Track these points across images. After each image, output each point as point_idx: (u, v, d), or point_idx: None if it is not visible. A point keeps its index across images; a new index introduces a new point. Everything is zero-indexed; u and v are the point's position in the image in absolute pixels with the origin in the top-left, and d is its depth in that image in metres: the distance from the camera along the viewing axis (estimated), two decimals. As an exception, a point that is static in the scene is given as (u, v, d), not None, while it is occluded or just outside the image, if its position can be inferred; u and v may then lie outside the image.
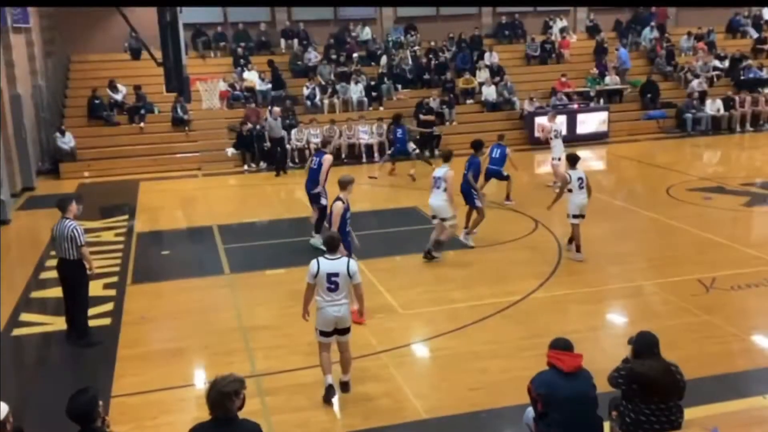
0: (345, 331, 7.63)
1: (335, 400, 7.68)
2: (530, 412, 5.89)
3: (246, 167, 21.25)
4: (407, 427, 7.22)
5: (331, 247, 7.58)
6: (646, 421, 5.47)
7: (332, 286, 7.40)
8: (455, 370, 8.34)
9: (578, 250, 11.90)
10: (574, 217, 11.82)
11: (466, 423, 7.25)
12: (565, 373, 5.53)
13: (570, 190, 11.78)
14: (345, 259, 7.59)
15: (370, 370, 8.40)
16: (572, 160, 11.94)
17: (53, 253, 12.98)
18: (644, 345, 5.69)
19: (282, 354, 8.85)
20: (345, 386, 7.82)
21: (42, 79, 22.23)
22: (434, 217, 12.07)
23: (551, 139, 17.24)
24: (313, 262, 7.48)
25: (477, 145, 13.22)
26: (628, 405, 5.58)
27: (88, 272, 9.54)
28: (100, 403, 4.96)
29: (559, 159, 16.52)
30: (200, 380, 8.52)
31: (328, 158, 13.06)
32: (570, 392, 5.48)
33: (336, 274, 7.38)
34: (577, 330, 8.84)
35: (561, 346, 5.71)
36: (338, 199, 9.75)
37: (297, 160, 21.52)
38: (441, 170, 11.94)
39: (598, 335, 9.21)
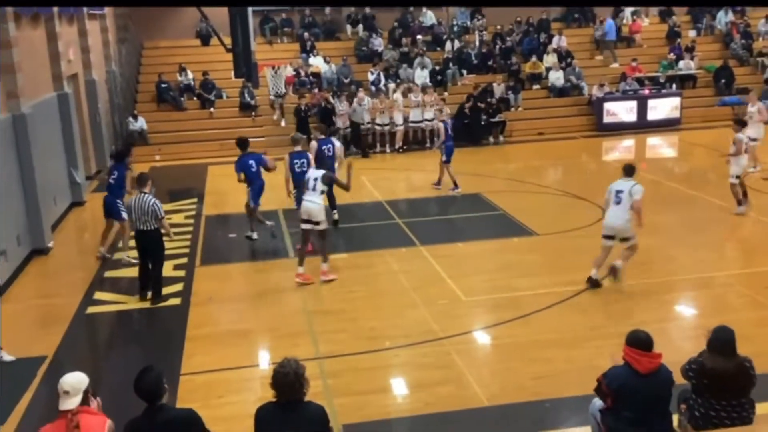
0: None
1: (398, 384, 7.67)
2: (597, 403, 5.76)
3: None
4: (469, 413, 7.21)
5: None
6: (715, 416, 5.34)
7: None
8: (518, 359, 8.28)
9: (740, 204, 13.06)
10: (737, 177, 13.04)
11: (529, 412, 7.19)
12: (641, 373, 5.33)
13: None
14: None
15: (433, 356, 8.40)
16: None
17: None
18: (719, 340, 5.49)
19: (345, 338, 8.93)
20: None
21: (116, 65, 22.80)
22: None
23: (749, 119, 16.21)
24: None
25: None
26: (698, 399, 5.45)
27: (166, 238, 10.56)
28: (166, 387, 5.08)
29: (755, 140, 15.87)
30: (265, 361, 8.67)
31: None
32: (645, 392, 5.30)
33: None
34: (645, 322, 8.59)
35: (639, 343, 5.37)
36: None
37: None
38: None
39: (666, 327, 8.98)
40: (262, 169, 12.87)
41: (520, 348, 8.55)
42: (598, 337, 8.53)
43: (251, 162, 12.82)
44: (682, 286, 10.47)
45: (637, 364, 5.33)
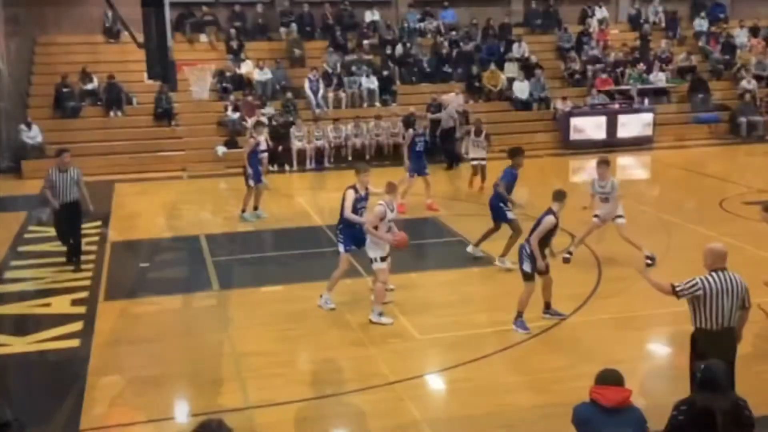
0: None
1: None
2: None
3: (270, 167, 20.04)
4: (425, 470, 7.14)
5: None
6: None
7: None
8: (480, 405, 8.26)
9: None
10: None
11: (494, 466, 7.16)
12: (606, 408, 5.44)
13: None
14: None
15: (383, 403, 8.32)
16: None
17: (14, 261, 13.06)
18: (713, 377, 5.58)
19: (280, 384, 8.77)
20: None
21: (2, 63, 22.29)
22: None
23: None
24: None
25: (515, 153, 13.00)
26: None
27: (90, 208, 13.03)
28: None
29: None
30: (183, 414, 8.46)
31: None
32: (610, 430, 5.39)
33: None
34: (620, 360, 8.65)
35: (605, 379, 5.61)
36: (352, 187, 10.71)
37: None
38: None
39: (642, 367, 9.14)
40: None
41: (482, 392, 8.53)
42: (568, 379, 8.56)
43: None
44: (659, 320, 10.61)
45: (601, 398, 5.47)
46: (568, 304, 10.89)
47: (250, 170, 15.68)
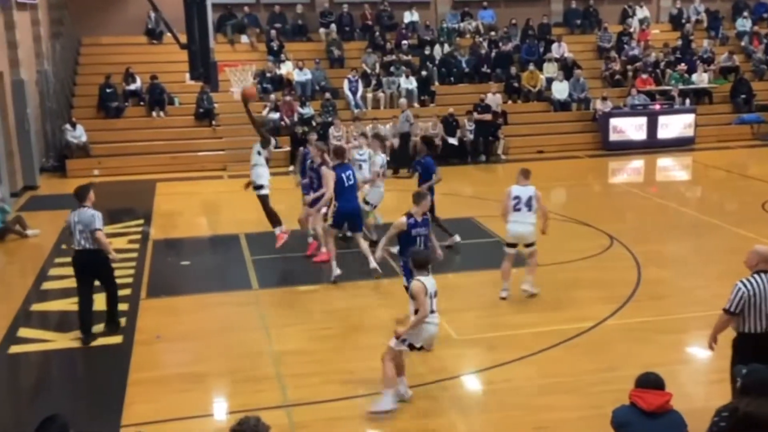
0: None
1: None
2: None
3: (293, 167, 19.52)
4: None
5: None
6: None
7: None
8: (517, 406, 8.24)
9: None
10: None
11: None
12: (646, 412, 5.40)
13: None
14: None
15: (419, 403, 8.30)
16: None
17: (58, 258, 13.26)
18: (757, 382, 5.48)
19: (317, 383, 8.81)
20: None
21: (48, 64, 22.63)
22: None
23: None
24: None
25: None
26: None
27: (111, 258, 10.18)
28: None
29: None
30: (221, 411, 8.52)
31: None
32: None
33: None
34: (659, 363, 8.54)
35: (646, 382, 5.58)
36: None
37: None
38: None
39: (681, 370, 9.03)
40: None
41: (518, 393, 8.50)
42: (606, 382, 8.51)
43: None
44: (700, 323, 10.46)
45: (641, 401, 5.43)
46: (606, 306, 10.81)
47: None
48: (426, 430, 7.82)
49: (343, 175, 12.31)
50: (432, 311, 8.10)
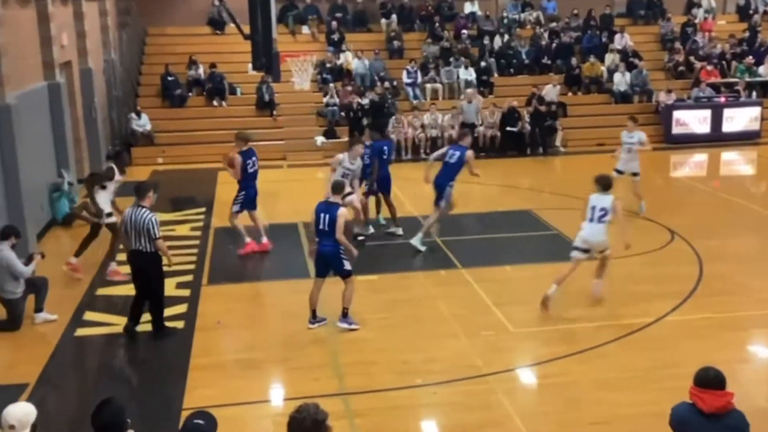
0: None
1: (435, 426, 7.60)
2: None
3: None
4: (517, 463, 7.13)
5: None
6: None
7: None
8: (573, 400, 8.21)
9: None
10: None
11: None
12: (705, 413, 5.25)
13: None
14: None
15: (475, 395, 8.34)
16: None
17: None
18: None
19: (374, 372, 8.89)
20: None
21: (115, 53, 23.03)
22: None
23: None
24: None
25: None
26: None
27: (166, 267, 10.05)
28: (128, 421, 5.02)
29: None
30: (279, 397, 8.65)
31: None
32: None
33: None
34: (720, 361, 8.36)
35: (705, 381, 5.36)
36: None
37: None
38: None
39: (743, 369, 8.89)
40: None
41: (575, 388, 8.46)
42: (664, 379, 8.39)
43: None
44: (761, 321, 10.33)
45: (699, 401, 5.27)
46: (666, 302, 10.68)
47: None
48: (481, 422, 7.83)
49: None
50: None
